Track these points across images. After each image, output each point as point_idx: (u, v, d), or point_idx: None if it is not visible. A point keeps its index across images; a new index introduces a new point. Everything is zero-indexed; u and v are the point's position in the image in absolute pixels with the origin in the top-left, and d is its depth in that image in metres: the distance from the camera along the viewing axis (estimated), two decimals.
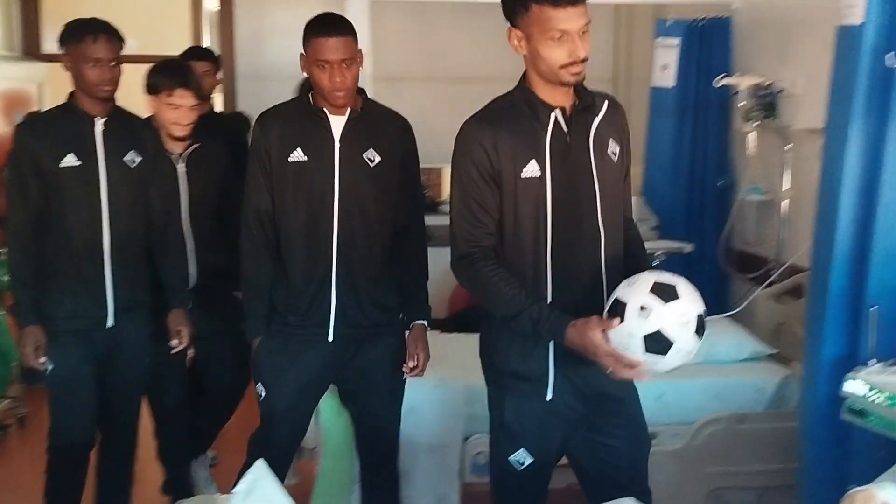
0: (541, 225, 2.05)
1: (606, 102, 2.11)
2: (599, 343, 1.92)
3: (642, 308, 1.89)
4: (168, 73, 2.98)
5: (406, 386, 2.72)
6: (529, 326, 1.99)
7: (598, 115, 2.09)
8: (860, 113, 2.33)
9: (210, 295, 3.11)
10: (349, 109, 2.48)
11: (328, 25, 2.41)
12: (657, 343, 1.88)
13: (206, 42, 6.53)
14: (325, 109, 2.47)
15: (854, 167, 2.35)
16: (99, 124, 2.65)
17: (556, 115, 2.05)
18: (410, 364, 2.62)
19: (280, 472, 2.60)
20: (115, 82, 2.63)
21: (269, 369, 2.57)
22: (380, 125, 2.54)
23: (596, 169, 2.07)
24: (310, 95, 2.52)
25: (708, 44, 4.08)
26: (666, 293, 1.90)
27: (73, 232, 2.65)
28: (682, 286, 1.94)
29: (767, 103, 3.73)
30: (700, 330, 1.91)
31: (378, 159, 2.50)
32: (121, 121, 2.72)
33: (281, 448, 2.63)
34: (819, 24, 3.18)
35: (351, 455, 3.18)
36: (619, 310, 1.91)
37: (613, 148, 2.11)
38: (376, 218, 2.53)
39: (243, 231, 2.55)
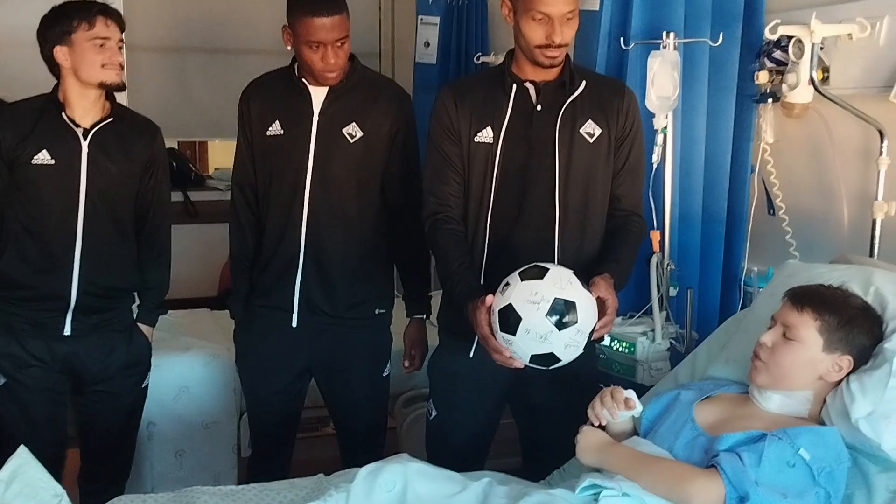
0: (485, 192, 2.06)
1: (584, 82, 2.05)
2: (480, 322, 1.89)
3: (506, 284, 1.86)
4: (75, 5, 2.22)
5: (178, 364, 2.65)
6: (455, 294, 2.02)
7: (573, 93, 2.03)
8: None
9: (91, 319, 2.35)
10: None
11: (322, 2, 2.18)
12: (507, 320, 1.81)
13: None
14: (304, 80, 2.30)
15: None
16: None
17: (526, 87, 2.03)
18: (406, 363, 2.53)
19: (280, 459, 2.49)
20: None
21: (239, 350, 2.52)
22: (369, 97, 2.35)
23: (559, 146, 2.02)
24: (295, 66, 2.33)
25: (465, 23, 4.26)
26: (531, 273, 1.84)
27: None
28: (556, 273, 1.83)
29: None
30: (559, 319, 1.78)
31: (360, 135, 2.32)
32: None
33: (269, 431, 2.51)
34: None
35: None
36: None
37: (591, 129, 2.04)
38: (356, 200, 2.35)
39: (230, 207, 2.46)
